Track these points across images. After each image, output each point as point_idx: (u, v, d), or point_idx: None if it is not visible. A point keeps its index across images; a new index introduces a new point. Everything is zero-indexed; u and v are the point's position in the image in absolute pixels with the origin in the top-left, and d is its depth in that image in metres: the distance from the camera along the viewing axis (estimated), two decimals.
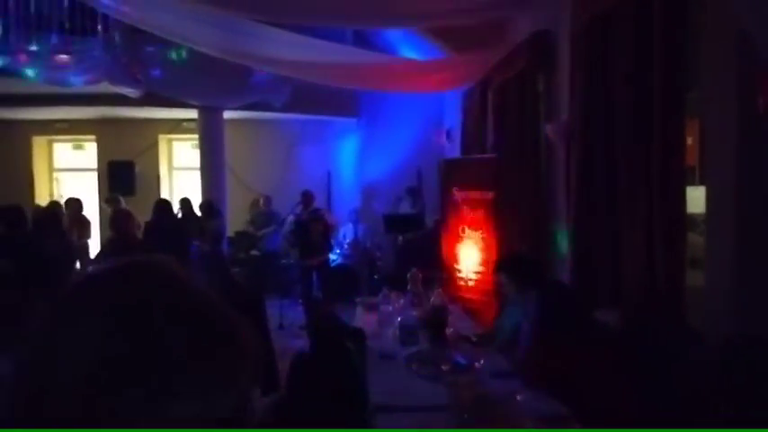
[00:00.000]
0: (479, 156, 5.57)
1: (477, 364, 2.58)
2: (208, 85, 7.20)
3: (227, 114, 8.50)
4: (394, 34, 7.65)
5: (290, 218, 7.29)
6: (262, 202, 8.62)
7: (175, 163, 10.35)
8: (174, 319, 0.53)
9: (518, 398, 2.18)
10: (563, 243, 4.01)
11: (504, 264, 3.21)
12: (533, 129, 4.53)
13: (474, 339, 3.20)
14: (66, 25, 6.83)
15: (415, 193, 8.61)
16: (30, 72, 6.46)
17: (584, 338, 2.61)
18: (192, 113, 8.48)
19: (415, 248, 7.54)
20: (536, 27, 4.48)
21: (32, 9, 6.70)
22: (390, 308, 3.70)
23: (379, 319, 3.58)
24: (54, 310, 0.55)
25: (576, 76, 3.65)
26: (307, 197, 7.32)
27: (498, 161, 5.01)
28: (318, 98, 8.03)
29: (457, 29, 5.22)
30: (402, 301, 3.79)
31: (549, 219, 4.40)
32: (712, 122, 2.62)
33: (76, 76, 6.52)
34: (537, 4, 4.25)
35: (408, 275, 4.16)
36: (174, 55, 6.90)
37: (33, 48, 6.61)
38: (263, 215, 8.40)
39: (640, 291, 2.93)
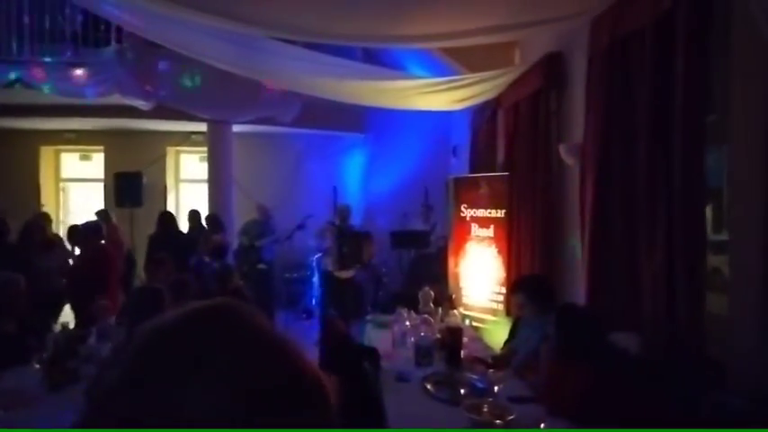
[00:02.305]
0: (490, 174, 5.55)
1: (496, 387, 2.53)
2: (219, 100, 7.21)
3: (235, 128, 8.51)
4: (404, 51, 7.66)
5: (328, 227, 7.22)
6: (256, 211, 8.32)
7: (182, 175, 10.36)
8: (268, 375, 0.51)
9: (542, 425, 2.13)
10: (576, 264, 3.97)
11: (523, 284, 3.16)
12: (546, 148, 4.52)
13: (490, 362, 3.15)
14: (80, 37, 6.87)
15: (429, 209, 8.58)
16: (44, 85, 6.47)
17: (603, 364, 2.57)
18: (201, 126, 8.50)
19: (423, 266, 7.49)
20: (551, 48, 4.49)
21: (47, 21, 6.73)
22: (404, 327, 3.65)
23: (393, 339, 3.54)
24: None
25: (591, 98, 3.64)
26: (344, 211, 7.32)
27: (510, 179, 5.00)
28: (325, 113, 8.02)
29: (469, 48, 5.22)
30: (417, 320, 3.74)
31: (562, 239, 4.37)
32: (739, 144, 2.60)
33: (90, 88, 6.53)
34: (552, 25, 4.25)
35: (420, 294, 4.12)
36: (185, 69, 6.91)
37: (47, 60, 6.63)
38: (258, 225, 8.12)
39: (659, 316, 2.89)
